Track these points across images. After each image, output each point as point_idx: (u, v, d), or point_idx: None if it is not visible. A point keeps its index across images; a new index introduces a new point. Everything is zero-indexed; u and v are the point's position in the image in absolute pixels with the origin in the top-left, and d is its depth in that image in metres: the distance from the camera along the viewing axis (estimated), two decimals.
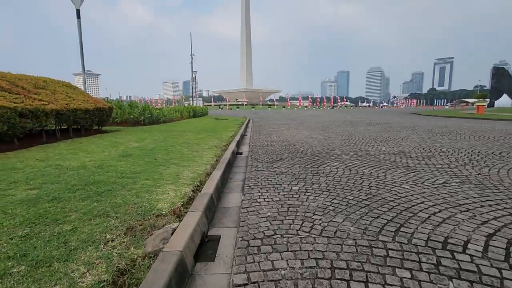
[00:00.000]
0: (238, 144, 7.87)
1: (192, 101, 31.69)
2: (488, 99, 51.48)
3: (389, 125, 13.39)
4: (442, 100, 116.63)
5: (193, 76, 29.16)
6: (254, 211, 2.97)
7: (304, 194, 3.46)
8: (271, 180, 4.15)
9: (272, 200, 3.29)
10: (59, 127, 6.56)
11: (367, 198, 3.24)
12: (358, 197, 3.30)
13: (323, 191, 3.55)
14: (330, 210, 2.92)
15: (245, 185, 3.97)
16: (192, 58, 28.31)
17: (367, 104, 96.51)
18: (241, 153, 6.76)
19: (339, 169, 4.72)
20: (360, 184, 3.85)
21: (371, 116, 24.13)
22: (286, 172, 4.59)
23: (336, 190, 3.61)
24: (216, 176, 3.87)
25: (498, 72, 61.49)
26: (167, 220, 2.38)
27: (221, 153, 5.93)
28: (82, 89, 9.61)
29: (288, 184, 3.91)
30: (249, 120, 19.41)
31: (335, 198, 3.28)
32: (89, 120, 7.39)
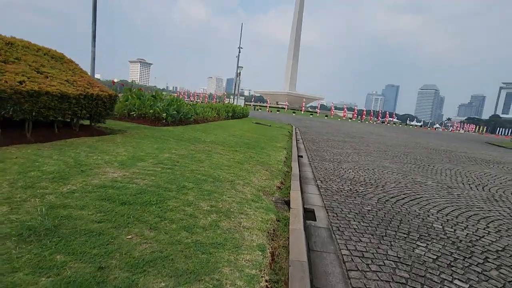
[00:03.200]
0: (300, 181, 4.57)
1: (234, 99, 28.80)
2: None
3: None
4: (507, 130, 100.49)
5: (238, 72, 26.38)
6: None
7: None
8: None
9: None
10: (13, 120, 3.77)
11: None
12: None
13: None
14: None
15: None
16: (239, 52, 25.59)
17: (419, 124, 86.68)
18: (312, 213, 3.43)
19: None
20: None
21: (445, 141, 19.15)
22: None
23: None
24: None
25: None
26: None
27: (279, 227, 2.69)
28: (89, 69, 7.00)
29: None
30: (295, 128, 16.09)
31: None
32: (68, 111, 4.59)
